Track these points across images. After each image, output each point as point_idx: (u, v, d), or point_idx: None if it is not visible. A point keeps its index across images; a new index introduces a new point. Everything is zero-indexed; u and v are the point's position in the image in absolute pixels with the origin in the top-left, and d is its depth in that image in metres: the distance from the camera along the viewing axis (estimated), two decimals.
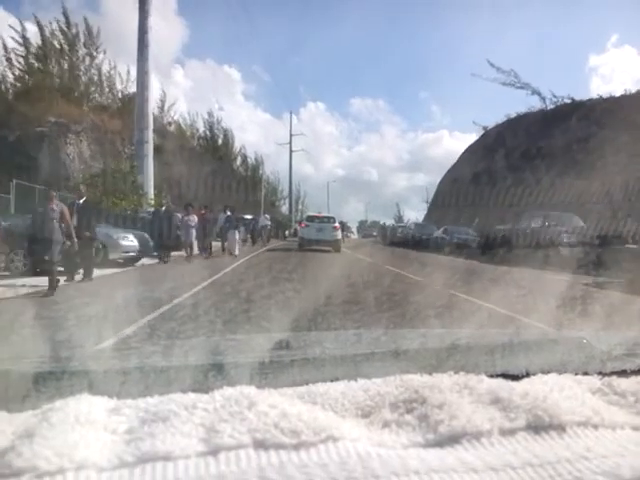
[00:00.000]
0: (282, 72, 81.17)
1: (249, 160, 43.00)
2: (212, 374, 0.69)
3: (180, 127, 35.52)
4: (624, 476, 0.37)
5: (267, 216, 24.46)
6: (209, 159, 34.74)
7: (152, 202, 19.33)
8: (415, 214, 67.59)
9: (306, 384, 0.60)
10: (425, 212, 41.24)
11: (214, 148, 40.05)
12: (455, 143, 76.83)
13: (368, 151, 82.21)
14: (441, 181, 39.86)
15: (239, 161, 43.45)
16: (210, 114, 40.16)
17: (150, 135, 21.22)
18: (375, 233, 45.32)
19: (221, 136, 41.48)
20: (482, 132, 35.09)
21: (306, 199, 52.51)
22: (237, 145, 41.98)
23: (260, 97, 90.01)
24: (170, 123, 31.12)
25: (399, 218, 54.37)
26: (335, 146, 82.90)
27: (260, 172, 42.02)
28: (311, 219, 19.63)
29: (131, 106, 23.21)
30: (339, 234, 18.86)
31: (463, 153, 37.81)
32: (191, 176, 29.27)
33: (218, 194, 27.79)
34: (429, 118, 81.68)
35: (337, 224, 19.18)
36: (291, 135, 45.04)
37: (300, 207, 51.17)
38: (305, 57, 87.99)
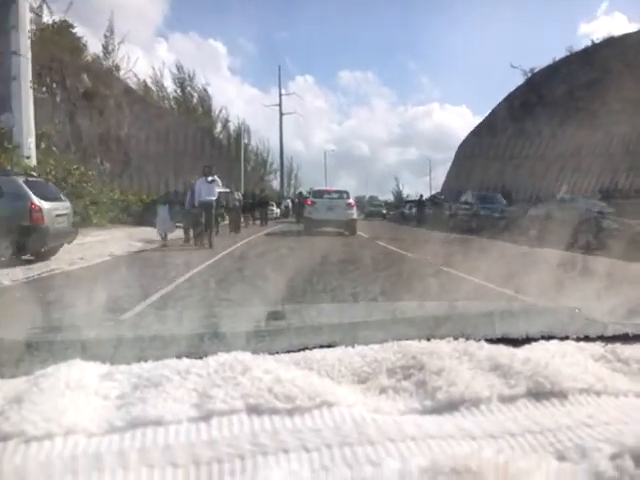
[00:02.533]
0: (269, 45, 78.13)
1: (232, 125, 36.06)
2: (207, 341, 0.69)
3: (146, 85, 30.18)
4: (626, 443, 0.36)
5: (239, 193, 16.80)
6: (180, 122, 27.84)
7: (30, 161, 11.66)
8: (415, 188, 63.08)
9: (302, 350, 0.59)
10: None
11: (187, 110, 32.98)
12: (446, 116, 73.16)
13: (358, 125, 79.16)
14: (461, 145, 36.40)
15: (219, 127, 36.35)
16: (180, 68, 32.95)
17: (23, 42, 11.96)
18: (389, 211, 35.11)
19: (195, 96, 34.31)
20: (526, 77, 30.72)
21: (299, 173, 45.93)
22: (218, 109, 35.21)
23: (247, 71, 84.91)
24: (117, 67, 23.64)
25: (398, 193, 51.46)
26: (326, 121, 79.02)
27: (244, 141, 34.96)
28: (319, 194, 15.23)
29: None
30: (354, 213, 14.54)
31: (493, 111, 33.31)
32: (153, 139, 22.22)
33: (190, 164, 21.96)
34: (419, 90, 77.73)
35: (352, 200, 14.96)
36: (281, 95, 37.76)
37: (293, 182, 44.57)
38: (292, 29, 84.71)
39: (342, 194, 15.14)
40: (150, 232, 11.63)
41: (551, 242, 8.08)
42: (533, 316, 0.93)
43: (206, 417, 0.41)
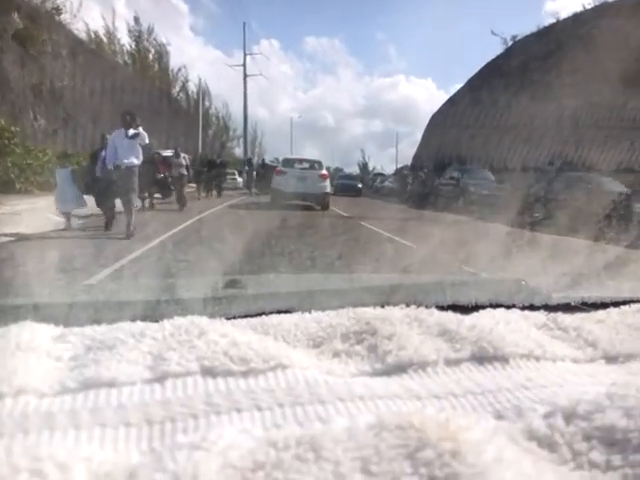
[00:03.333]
0: (233, 4, 72.30)
1: (192, 86, 33.18)
2: (163, 305, 0.68)
3: (97, 37, 26.51)
4: (559, 403, 0.39)
5: (185, 156, 12.58)
6: (133, 79, 25.11)
7: None
8: (380, 161, 62.10)
9: (260, 316, 0.59)
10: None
11: (142, 67, 30.01)
12: (412, 89, 72.49)
13: (324, 94, 76.65)
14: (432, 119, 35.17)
15: (178, 88, 33.47)
16: (137, 20, 29.77)
17: None
18: (376, 183, 28.75)
19: (152, 52, 31.32)
20: (505, 45, 30.38)
21: (263, 141, 43.57)
22: (177, 67, 32.23)
23: (210, 33, 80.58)
24: (58, 10, 20.54)
25: (364, 165, 48.41)
26: (291, 88, 75.91)
27: (204, 103, 32.14)
28: (289, 163, 13.80)
29: None
30: (328, 185, 13.26)
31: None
32: (99, 95, 19.63)
33: (143, 125, 19.08)
34: (386, 61, 75.74)
35: (325, 171, 13.53)
36: (245, 55, 34.88)
37: (257, 150, 42.23)
38: None
39: (314, 164, 13.65)
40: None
41: (589, 233, 6.53)
42: (482, 286, 0.97)
43: (160, 379, 0.42)
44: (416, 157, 34.66)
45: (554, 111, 20.51)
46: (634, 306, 0.68)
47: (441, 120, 31.21)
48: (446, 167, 17.93)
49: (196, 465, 0.29)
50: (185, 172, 11.73)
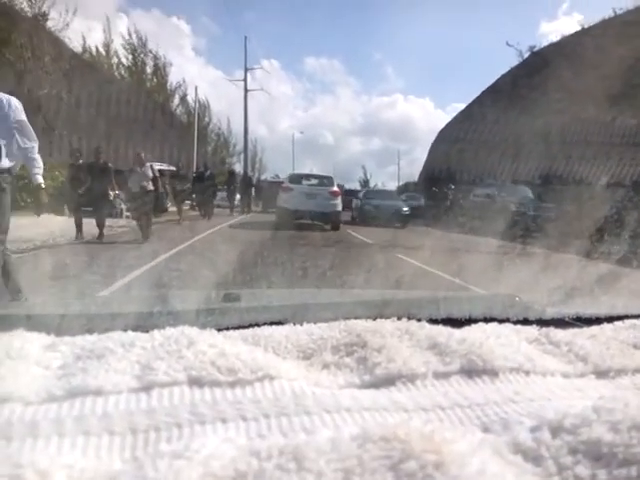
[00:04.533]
0: (234, 25, 73.13)
1: (190, 99, 31.54)
2: (155, 316, 0.68)
3: (90, 48, 24.72)
4: (546, 417, 0.39)
5: (152, 167, 8.54)
6: (127, 92, 23.55)
7: None
8: (380, 178, 61.19)
9: (251, 327, 0.59)
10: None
11: (139, 80, 28.48)
12: (410, 107, 72.70)
13: (323, 113, 76.69)
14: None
15: (177, 101, 31.90)
16: (131, 32, 28.30)
17: None
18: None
19: (150, 65, 29.84)
20: (521, 58, 29.12)
21: (264, 157, 41.80)
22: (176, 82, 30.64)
23: (212, 53, 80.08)
24: (44, 15, 18.85)
25: (365, 182, 48.20)
26: (291, 107, 75.49)
27: (199, 117, 30.56)
28: (296, 179, 12.41)
29: None
30: (339, 204, 11.81)
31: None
32: (87, 107, 17.99)
33: (138, 139, 18.83)
34: (384, 80, 76.47)
35: (336, 188, 12.28)
36: (246, 70, 33.37)
37: (257, 166, 40.49)
38: (258, 10, 78.08)
39: (324, 180, 12.49)
40: (58, 223, 7.96)
41: None
42: (475, 301, 0.97)
43: (147, 388, 0.41)
44: (423, 173, 33.19)
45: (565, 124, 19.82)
46: (627, 322, 0.68)
47: (451, 134, 29.74)
48: (456, 182, 16.03)
49: (177, 473, 0.29)
50: (151, 187, 8.25)
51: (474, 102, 30.71)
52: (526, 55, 28.70)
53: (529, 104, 23.02)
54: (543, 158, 20.63)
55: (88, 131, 17.71)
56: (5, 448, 0.33)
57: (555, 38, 28.31)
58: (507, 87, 27.20)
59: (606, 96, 17.75)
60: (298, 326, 0.59)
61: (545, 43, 28.69)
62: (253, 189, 19.38)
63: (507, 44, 33.00)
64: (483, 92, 30.44)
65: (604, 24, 24.44)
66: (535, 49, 28.25)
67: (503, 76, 29.43)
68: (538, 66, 26.14)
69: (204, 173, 14.32)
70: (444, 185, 17.56)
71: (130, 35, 27.44)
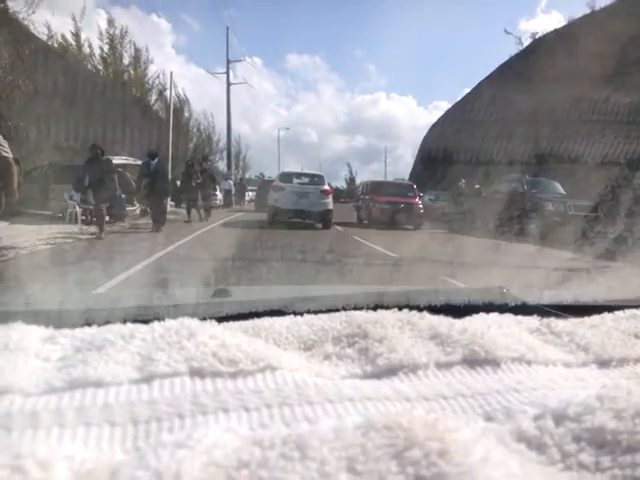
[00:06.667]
0: (215, 22, 69.83)
1: (167, 92, 29.36)
2: (154, 308, 0.67)
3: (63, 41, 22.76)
4: (549, 405, 0.39)
5: (108, 161, 7.84)
6: (97, 83, 21.44)
7: None
8: (365, 176, 60.20)
9: (251, 318, 0.59)
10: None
11: (115, 72, 26.32)
12: (393, 105, 71.94)
13: (307, 111, 75.07)
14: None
15: (155, 96, 29.68)
16: (110, 21, 25.93)
17: None
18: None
19: (127, 56, 27.60)
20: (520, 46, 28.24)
21: (247, 154, 39.83)
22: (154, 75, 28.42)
23: (193, 51, 78.52)
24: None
25: (351, 180, 47.52)
26: (273, 105, 73.65)
27: (184, 114, 28.38)
28: (287, 178, 12.45)
29: None
30: (330, 202, 11.92)
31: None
32: (49, 97, 15.91)
33: (109, 135, 17.47)
34: (366, 78, 75.04)
35: (327, 187, 12.35)
36: (228, 62, 31.42)
37: (241, 164, 38.51)
38: (239, 6, 75.92)
39: (315, 178, 12.53)
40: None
41: None
42: (473, 293, 0.96)
43: (148, 379, 0.41)
44: (413, 171, 32.01)
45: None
46: (628, 312, 0.68)
47: (443, 128, 28.40)
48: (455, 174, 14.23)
49: (179, 463, 0.29)
50: (110, 189, 7.54)
51: (473, 91, 30.02)
52: (526, 43, 27.68)
53: (528, 86, 21.95)
54: (538, 138, 19.97)
55: (53, 124, 15.60)
56: (5, 439, 0.33)
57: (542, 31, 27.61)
58: (507, 73, 26.21)
59: (601, 75, 16.97)
60: (299, 317, 0.59)
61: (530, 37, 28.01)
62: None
63: (505, 31, 31.72)
64: (486, 78, 29.58)
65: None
66: (537, 35, 27.05)
67: (506, 62, 28.44)
68: (536, 50, 25.27)
69: (195, 167, 12.22)
70: (447, 180, 15.96)
71: (109, 24, 25.11)
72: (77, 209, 8.89)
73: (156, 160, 9.54)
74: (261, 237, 8.35)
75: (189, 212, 11.65)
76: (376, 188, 14.46)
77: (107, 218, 8.05)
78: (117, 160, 8.97)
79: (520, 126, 20.96)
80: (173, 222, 10.71)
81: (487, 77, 28.88)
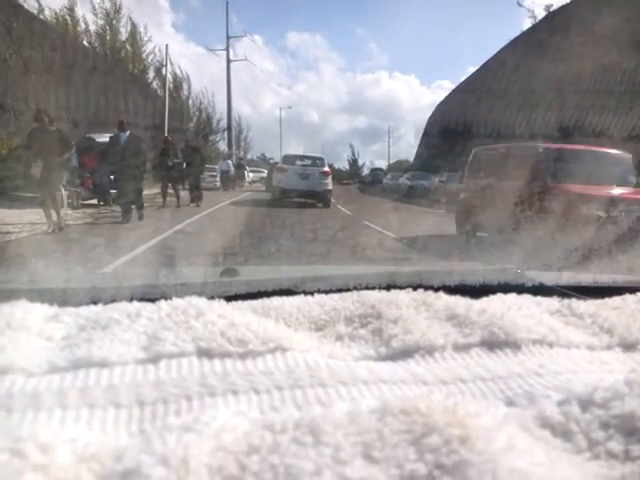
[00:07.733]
0: (215, 1, 68.49)
1: (164, 70, 28.62)
2: (161, 287, 0.65)
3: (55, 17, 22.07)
4: (574, 390, 0.38)
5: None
6: (97, 61, 20.94)
7: None
8: (366, 157, 59.87)
9: (261, 298, 0.58)
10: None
11: (112, 49, 25.69)
12: (395, 85, 70.70)
13: (308, 90, 74.17)
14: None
15: (152, 73, 28.94)
16: None
17: None
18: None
19: (123, 33, 26.90)
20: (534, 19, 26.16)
21: (248, 136, 38.99)
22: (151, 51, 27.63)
23: (192, 29, 77.22)
24: None
25: (354, 161, 47.41)
26: (274, 84, 72.67)
27: (184, 92, 27.65)
28: (290, 160, 13.26)
29: None
30: (330, 183, 12.75)
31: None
32: (44, 75, 15.42)
33: (108, 114, 16.97)
34: (367, 57, 73.74)
35: (327, 168, 13.08)
36: (228, 38, 30.57)
37: (242, 144, 37.78)
38: None
39: (317, 160, 13.45)
40: None
41: None
42: (488, 273, 0.93)
43: (154, 359, 0.40)
44: (419, 152, 31.15)
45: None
46: None
47: (451, 106, 27.52)
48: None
49: (186, 447, 0.28)
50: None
51: (488, 61, 28.71)
52: (540, 16, 26.31)
53: (550, 54, 21.21)
54: (562, 109, 19.20)
55: (43, 101, 15.06)
56: (5, 420, 0.32)
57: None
58: (522, 44, 24.94)
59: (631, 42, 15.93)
60: (309, 297, 0.57)
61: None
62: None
63: (518, 4, 29.99)
64: (504, 47, 28.06)
65: None
66: (552, 8, 25.87)
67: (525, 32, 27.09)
68: (557, 17, 23.94)
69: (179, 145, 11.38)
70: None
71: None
72: (63, 191, 7.83)
73: (127, 133, 7.92)
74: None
75: (164, 196, 10.14)
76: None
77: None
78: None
79: (541, 100, 20.25)
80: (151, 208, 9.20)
81: (500, 51, 27.73)
